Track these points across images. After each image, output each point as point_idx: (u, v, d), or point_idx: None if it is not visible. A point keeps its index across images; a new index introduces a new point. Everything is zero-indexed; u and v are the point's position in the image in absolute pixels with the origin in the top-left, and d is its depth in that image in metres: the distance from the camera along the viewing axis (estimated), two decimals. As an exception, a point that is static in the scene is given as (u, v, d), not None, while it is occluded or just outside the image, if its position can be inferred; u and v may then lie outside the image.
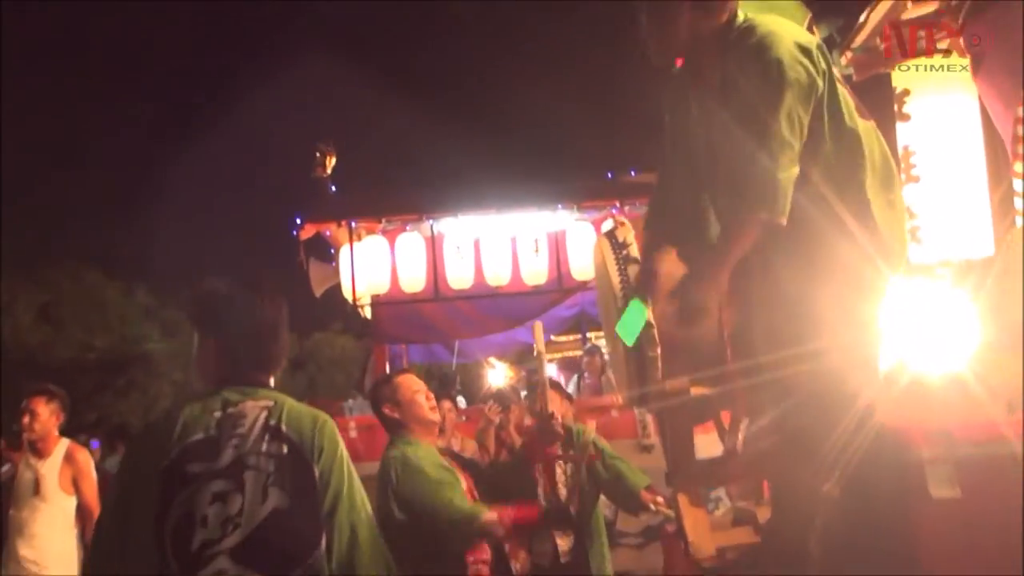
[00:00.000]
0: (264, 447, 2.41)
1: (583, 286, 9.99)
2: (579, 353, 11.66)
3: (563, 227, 9.94)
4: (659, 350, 3.83)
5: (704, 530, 4.02)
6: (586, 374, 10.73)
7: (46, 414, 6.00)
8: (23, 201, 25.76)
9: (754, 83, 2.87)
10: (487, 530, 4.39)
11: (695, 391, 3.98)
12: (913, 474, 3.10)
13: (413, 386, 4.66)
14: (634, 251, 3.97)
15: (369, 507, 2.53)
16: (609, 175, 10.33)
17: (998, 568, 2.99)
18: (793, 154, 2.89)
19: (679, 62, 3.35)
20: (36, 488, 5.91)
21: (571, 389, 9.56)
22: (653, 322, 3.84)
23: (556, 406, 5.98)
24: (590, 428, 6.41)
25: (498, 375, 14.79)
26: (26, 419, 5.95)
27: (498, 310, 10.36)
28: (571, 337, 13.28)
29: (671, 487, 4.12)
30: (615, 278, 3.94)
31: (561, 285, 9.97)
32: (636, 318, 3.35)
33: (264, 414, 2.46)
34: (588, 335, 11.87)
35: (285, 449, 2.42)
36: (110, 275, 27.96)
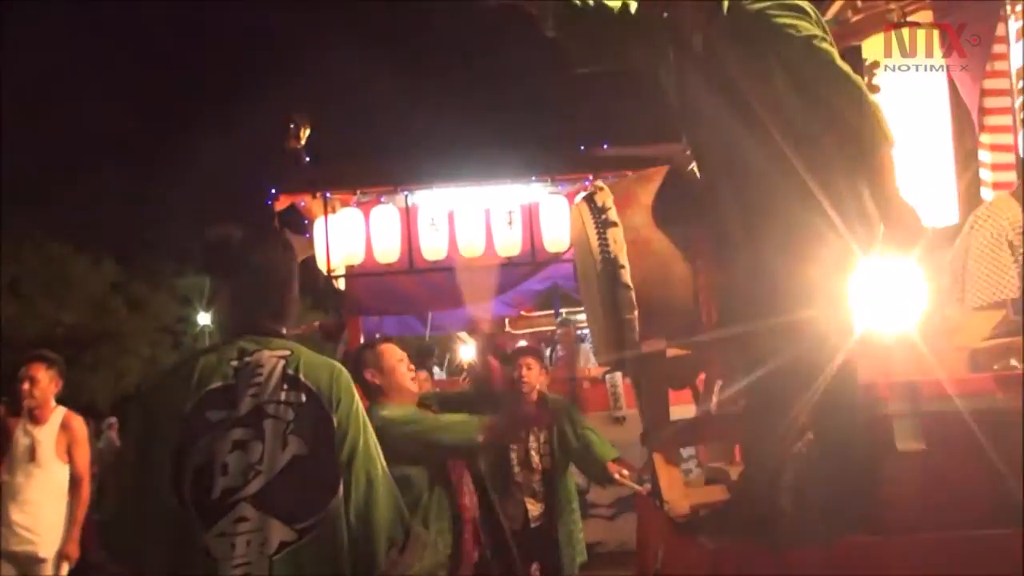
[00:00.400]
0: (283, 396, 2.43)
1: (556, 258, 10.08)
2: (551, 328, 11.76)
3: (537, 199, 10.02)
4: (636, 312, 3.95)
5: (679, 488, 4.14)
6: (559, 347, 10.85)
7: (45, 380, 6.03)
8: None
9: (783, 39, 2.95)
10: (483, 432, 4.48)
11: (671, 353, 4.10)
12: (880, 427, 3.21)
13: (396, 354, 4.74)
14: (613, 215, 4.06)
15: (383, 458, 2.56)
16: (582, 148, 10.41)
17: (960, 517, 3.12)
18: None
19: None
20: (32, 454, 5.93)
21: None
22: (631, 284, 3.95)
23: (534, 373, 6.09)
24: (562, 398, 6.52)
25: (469, 349, 14.86)
26: (26, 385, 5.97)
27: (471, 283, 10.42)
28: (543, 313, 13.36)
29: (647, 447, 4.23)
30: (594, 241, 4.03)
31: (535, 257, 10.06)
32: None
33: (281, 363, 2.47)
34: (560, 310, 11.96)
35: (304, 398, 2.45)
36: (78, 248, 27.77)
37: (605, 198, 4.14)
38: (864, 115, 2.93)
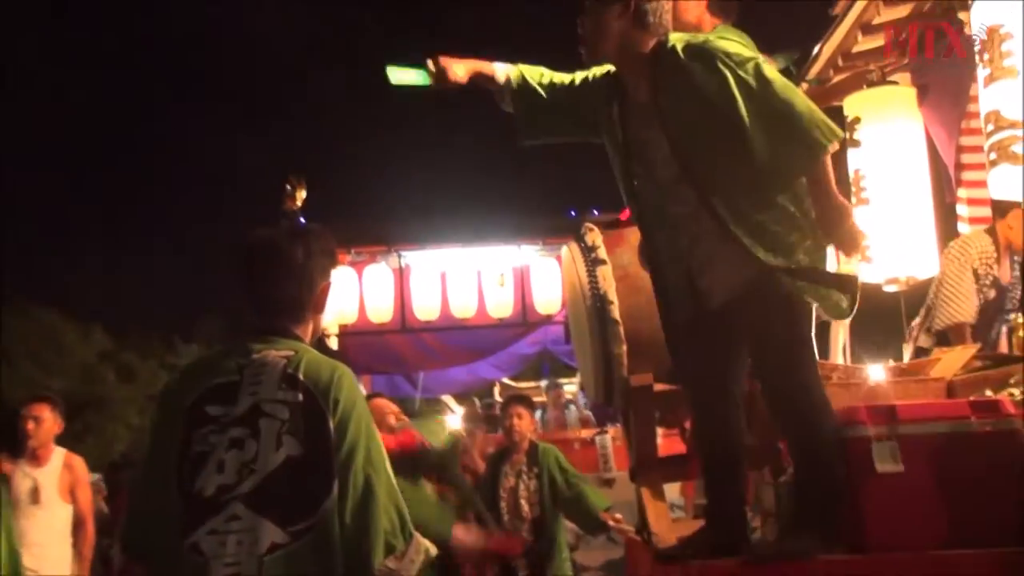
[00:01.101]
0: (279, 395, 2.40)
1: (547, 320, 10.21)
2: (540, 399, 11.83)
3: (528, 262, 10.19)
4: (624, 347, 4.08)
5: (666, 521, 4.24)
6: (549, 409, 10.94)
7: (49, 421, 6.02)
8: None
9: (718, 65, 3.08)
10: (454, 543, 4.38)
11: (659, 387, 4.22)
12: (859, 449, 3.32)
13: (386, 408, 4.83)
14: (602, 253, 4.21)
15: (388, 464, 2.49)
16: (572, 213, 10.61)
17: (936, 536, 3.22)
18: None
19: None
20: (35, 496, 5.88)
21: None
22: (619, 320, 4.09)
23: (525, 422, 6.20)
24: (553, 447, 6.60)
25: (456, 419, 14.89)
26: (31, 425, 5.93)
27: (463, 342, 10.55)
28: (532, 383, 13.47)
29: (635, 482, 4.33)
30: (584, 278, 4.18)
31: (526, 319, 10.19)
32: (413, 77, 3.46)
33: (283, 362, 2.45)
34: (550, 377, 12.08)
35: (300, 397, 2.40)
36: (67, 316, 27.79)
37: (595, 238, 4.30)
38: (813, 121, 3.05)
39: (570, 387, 12.06)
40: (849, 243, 3.19)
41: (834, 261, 6.76)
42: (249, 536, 2.30)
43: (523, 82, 3.46)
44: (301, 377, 2.41)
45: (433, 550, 2.60)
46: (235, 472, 2.33)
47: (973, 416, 3.35)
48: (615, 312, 4.10)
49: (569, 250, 4.38)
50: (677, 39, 3.20)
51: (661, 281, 3.46)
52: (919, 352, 4.64)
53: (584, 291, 4.18)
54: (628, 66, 3.29)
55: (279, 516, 2.32)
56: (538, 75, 3.48)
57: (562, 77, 3.49)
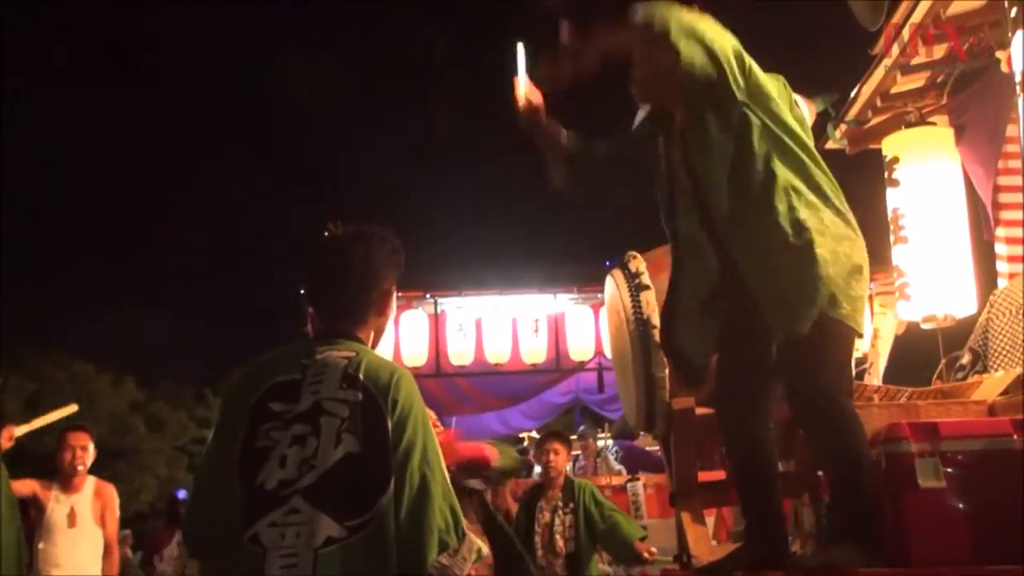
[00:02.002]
0: (340, 394, 2.45)
1: (580, 367, 10.28)
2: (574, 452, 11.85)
3: (562, 310, 10.27)
4: (667, 371, 4.14)
5: (705, 545, 4.25)
6: (580, 456, 10.95)
7: (88, 449, 6.21)
8: (13, 289, 26.01)
9: None
10: None
11: (700, 411, 4.27)
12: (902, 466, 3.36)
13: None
14: (646, 279, 4.29)
15: (443, 464, 2.52)
16: (607, 263, 10.68)
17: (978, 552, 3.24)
18: None
19: None
20: (71, 521, 6.03)
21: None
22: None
23: (562, 457, 6.24)
24: (588, 482, 6.62)
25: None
26: (73, 454, 6.12)
27: (496, 388, 10.62)
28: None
29: (674, 506, 4.36)
30: (627, 304, 4.25)
31: (559, 365, 10.26)
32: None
33: (345, 363, 2.49)
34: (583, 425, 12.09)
35: (360, 396, 2.44)
36: (101, 368, 28.07)
37: (638, 264, 4.38)
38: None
39: (601, 440, 12.09)
40: None
41: (868, 311, 6.84)
42: (307, 529, 2.35)
43: (581, 147, 3.60)
44: (361, 377, 2.46)
45: (485, 549, 2.64)
46: (296, 467, 2.38)
47: (1015, 434, 3.38)
48: (658, 336, 4.16)
49: (613, 277, 4.46)
50: None
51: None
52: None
53: (628, 316, 4.24)
54: (675, 102, 3.38)
55: (336, 511, 2.36)
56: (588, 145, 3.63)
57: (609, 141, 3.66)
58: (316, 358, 2.50)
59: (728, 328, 3.40)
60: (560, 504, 6.13)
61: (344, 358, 2.51)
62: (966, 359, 4.87)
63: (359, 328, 2.62)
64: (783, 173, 3.21)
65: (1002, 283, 5.42)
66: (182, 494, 15.01)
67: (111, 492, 6.35)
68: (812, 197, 3.23)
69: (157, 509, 19.13)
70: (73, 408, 7.03)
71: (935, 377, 5.46)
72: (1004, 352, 4.44)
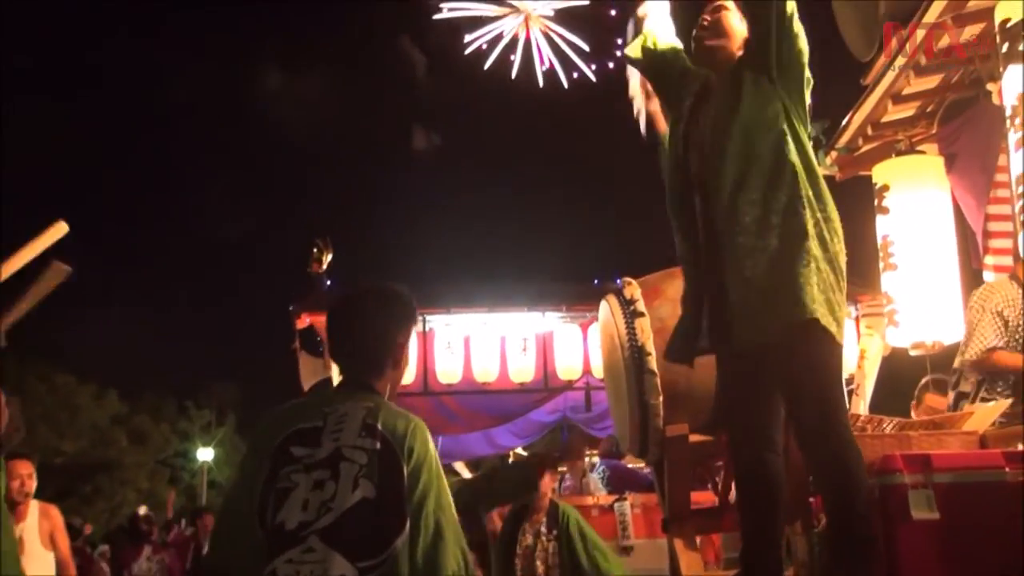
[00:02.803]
0: (359, 442, 2.59)
1: (568, 385, 10.28)
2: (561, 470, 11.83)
3: (551, 328, 10.28)
4: (661, 398, 4.17)
5: (699, 571, 4.28)
6: (567, 476, 10.93)
7: (32, 477, 6.13)
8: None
9: None
10: None
11: (694, 438, 4.30)
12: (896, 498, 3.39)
13: None
14: (640, 306, 4.32)
15: (454, 509, 2.66)
16: (596, 282, 10.72)
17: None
18: None
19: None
20: (19, 549, 5.99)
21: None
22: (656, 371, 4.18)
23: (545, 480, 6.24)
24: (573, 509, 6.61)
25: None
26: (16, 484, 6.02)
27: (484, 407, 10.60)
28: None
29: (667, 532, 4.38)
30: (622, 330, 4.28)
31: (547, 384, 10.25)
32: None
33: (364, 412, 2.64)
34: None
35: (378, 445, 2.58)
36: (84, 380, 27.93)
37: (633, 291, 4.41)
38: None
39: (588, 459, 12.06)
40: None
41: (854, 332, 6.88)
42: (320, 568, 2.46)
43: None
44: (379, 427, 2.60)
45: None
46: (315, 509, 2.51)
47: (1007, 466, 3.43)
48: (652, 363, 4.19)
49: (607, 303, 4.48)
50: None
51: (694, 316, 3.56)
52: (959, 397, 4.71)
53: (622, 342, 4.27)
54: (724, 70, 3.49)
55: (350, 551, 2.48)
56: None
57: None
58: (336, 407, 2.64)
59: (733, 356, 3.42)
60: (543, 529, 6.12)
61: (363, 408, 2.64)
62: (958, 362, 4.93)
63: (376, 380, 2.75)
64: (804, 181, 3.30)
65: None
66: (143, 510, 14.92)
67: (56, 513, 6.33)
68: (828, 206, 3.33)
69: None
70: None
71: (912, 402, 5.53)
72: (971, 337, 4.57)
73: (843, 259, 3.32)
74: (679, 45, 3.78)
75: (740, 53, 3.47)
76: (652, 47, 3.79)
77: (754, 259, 3.27)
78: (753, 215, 3.28)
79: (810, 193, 3.27)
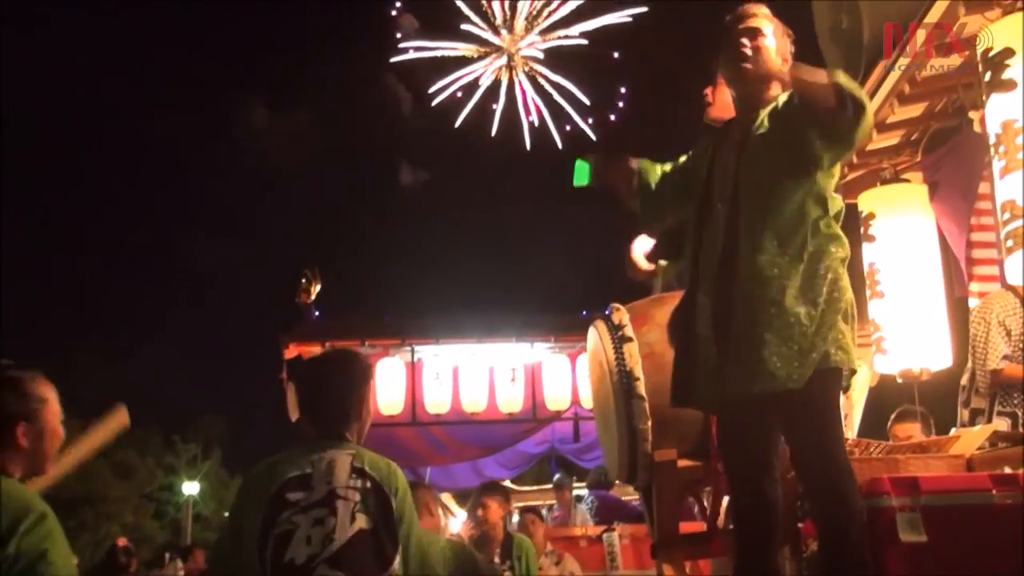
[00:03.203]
0: (351, 483, 3.00)
1: (557, 416, 10.29)
2: (543, 503, 11.79)
3: (539, 359, 10.30)
4: (649, 423, 4.18)
5: (687, 598, 4.28)
6: (555, 506, 10.92)
7: None
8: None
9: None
10: None
11: (682, 463, 4.31)
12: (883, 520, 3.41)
13: (425, 497, 5.05)
14: (629, 331, 4.34)
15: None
16: (584, 312, 10.75)
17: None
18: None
19: None
20: None
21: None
22: (645, 396, 4.19)
23: (492, 511, 6.24)
24: (528, 541, 6.55)
25: (456, 523, 14.76)
26: None
27: (472, 437, 10.60)
28: (535, 487, 13.44)
29: (656, 558, 4.38)
30: (610, 355, 4.29)
31: (535, 415, 10.26)
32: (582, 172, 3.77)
33: (350, 458, 3.05)
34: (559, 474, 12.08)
35: (368, 484, 3.01)
36: (68, 413, 27.73)
37: (621, 316, 4.43)
38: None
39: (576, 490, 12.04)
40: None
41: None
42: None
43: (642, 181, 3.75)
44: (367, 469, 3.04)
45: None
46: (320, 543, 2.91)
47: (994, 489, 3.46)
48: (641, 388, 4.20)
49: (596, 329, 4.50)
50: None
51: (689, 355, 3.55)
52: (975, 414, 4.77)
53: (611, 368, 4.28)
54: (752, 102, 3.46)
55: (357, 573, 2.91)
56: (653, 171, 3.76)
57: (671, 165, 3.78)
58: (322, 455, 3.05)
59: (731, 386, 3.42)
60: (497, 560, 6.10)
61: (347, 455, 3.06)
62: (965, 379, 4.97)
63: (347, 431, 3.17)
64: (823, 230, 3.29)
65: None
66: (122, 542, 14.77)
67: None
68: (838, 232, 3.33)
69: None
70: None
71: (888, 429, 5.56)
72: (979, 356, 4.63)
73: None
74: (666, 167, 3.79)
75: (776, 93, 3.43)
76: (649, 186, 3.77)
77: (770, 307, 3.24)
78: (770, 261, 3.27)
79: (829, 244, 3.28)
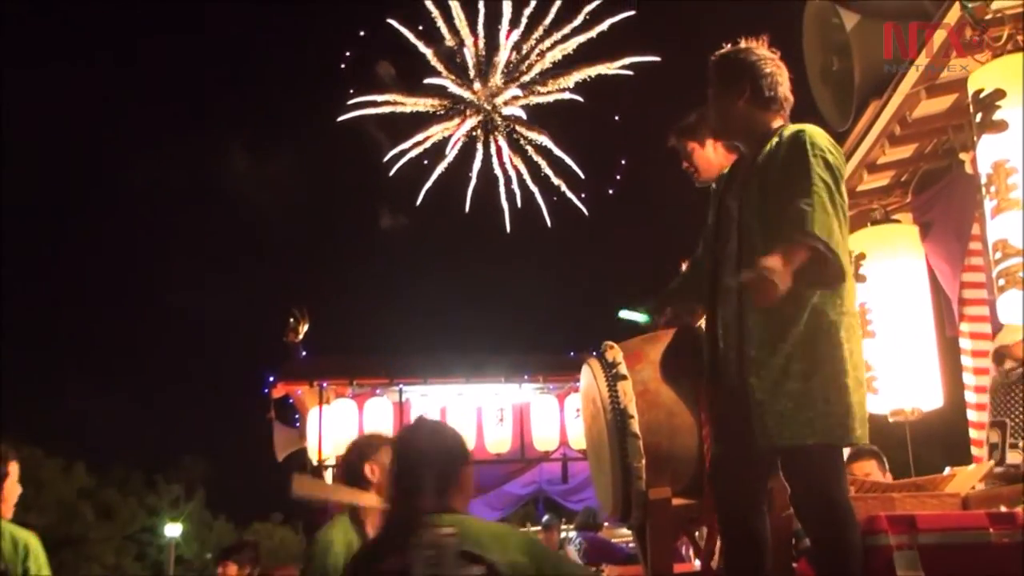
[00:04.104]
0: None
1: (545, 456, 10.24)
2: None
3: (527, 399, 10.27)
4: (643, 461, 4.15)
5: (680, 638, 4.24)
6: (543, 548, 10.85)
7: None
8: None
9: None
10: None
11: (677, 502, 4.28)
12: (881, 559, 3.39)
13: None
14: (623, 369, 4.33)
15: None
16: (572, 353, 10.74)
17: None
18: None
19: None
20: None
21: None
22: (639, 434, 4.18)
23: None
24: None
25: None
26: None
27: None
28: (523, 529, 13.32)
29: (650, 599, 4.34)
30: (604, 393, 4.27)
31: (524, 455, 10.21)
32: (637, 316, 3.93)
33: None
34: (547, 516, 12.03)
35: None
36: (50, 453, 27.53)
37: (615, 354, 4.41)
38: None
39: (564, 532, 11.98)
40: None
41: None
42: None
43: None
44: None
45: None
46: None
47: (991, 527, 3.44)
48: (635, 426, 4.17)
49: (589, 367, 4.48)
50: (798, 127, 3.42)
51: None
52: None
53: (605, 406, 4.26)
54: (751, 143, 3.51)
55: None
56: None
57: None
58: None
59: (724, 424, 3.43)
60: None
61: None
62: (995, 436, 4.92)
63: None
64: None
65: (967, 377, 5.54)
66: None
67: None
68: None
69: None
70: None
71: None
72: None
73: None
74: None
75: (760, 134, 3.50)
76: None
77: (767, 370, 3.29)
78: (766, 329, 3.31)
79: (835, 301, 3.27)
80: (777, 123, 3.46)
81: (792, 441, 3.21)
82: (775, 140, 3.39)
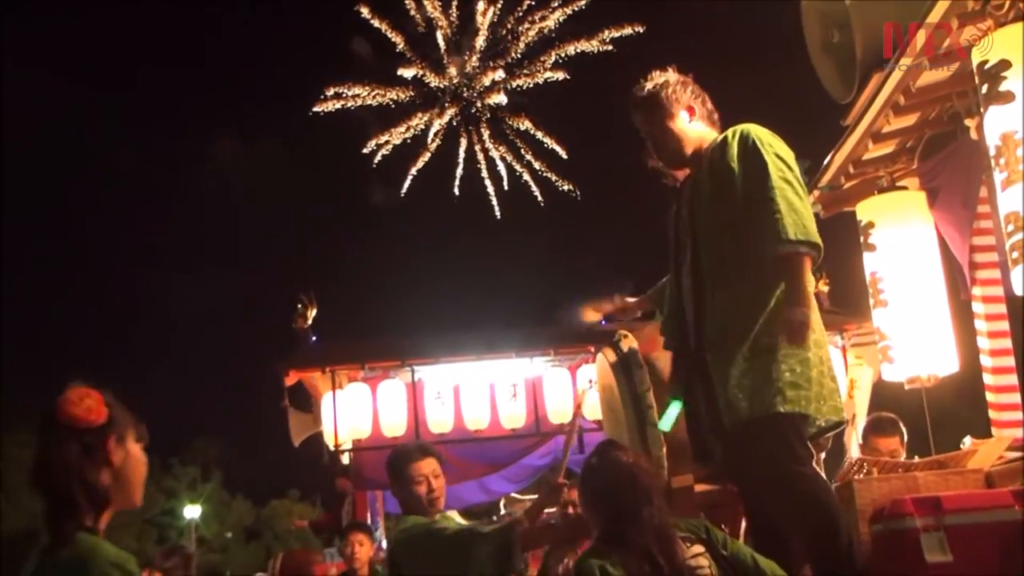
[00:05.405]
0: None
1: (560, 429, 10.26)
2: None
3: (540, 373, 10.27)
4: (664, 450, 4.17)
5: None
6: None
7: None
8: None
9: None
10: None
11: (699, 488, 4.30)
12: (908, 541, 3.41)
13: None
14: (638, 359, 4.34)
15: None
16: (603, 323, 10.70)
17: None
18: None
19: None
20: None
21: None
22: (657, 423, 4.19)
23: (365, 549, 6.33)
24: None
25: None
26: None
27: (476, 455, 10.56)
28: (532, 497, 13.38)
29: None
30: (621, 384, 4.30)
31: (539, 429, 10.22)
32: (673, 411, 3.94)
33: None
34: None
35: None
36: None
37: (630, 343, 4.43)
38: None
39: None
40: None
41: (842, 363, 6.89)
42: None
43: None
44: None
45: None
46: None
47: (1017, 505, 3.45)
48: (654, 416, 4.20)
49: (604, 356, 4.50)
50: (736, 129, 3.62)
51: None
52: None
53: (623, 397, 4.29)
54: (694, 158, 3.74)
55: None
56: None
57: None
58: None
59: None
60: None
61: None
62: None
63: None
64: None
65: (982, 341, 5.54)
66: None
67: None
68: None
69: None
70: None
71: (864, 439, 5.56)
72: None
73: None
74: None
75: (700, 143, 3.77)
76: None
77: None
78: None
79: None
80: (712, 134, 3.71)
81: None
82: (717, 144, 3.63)
